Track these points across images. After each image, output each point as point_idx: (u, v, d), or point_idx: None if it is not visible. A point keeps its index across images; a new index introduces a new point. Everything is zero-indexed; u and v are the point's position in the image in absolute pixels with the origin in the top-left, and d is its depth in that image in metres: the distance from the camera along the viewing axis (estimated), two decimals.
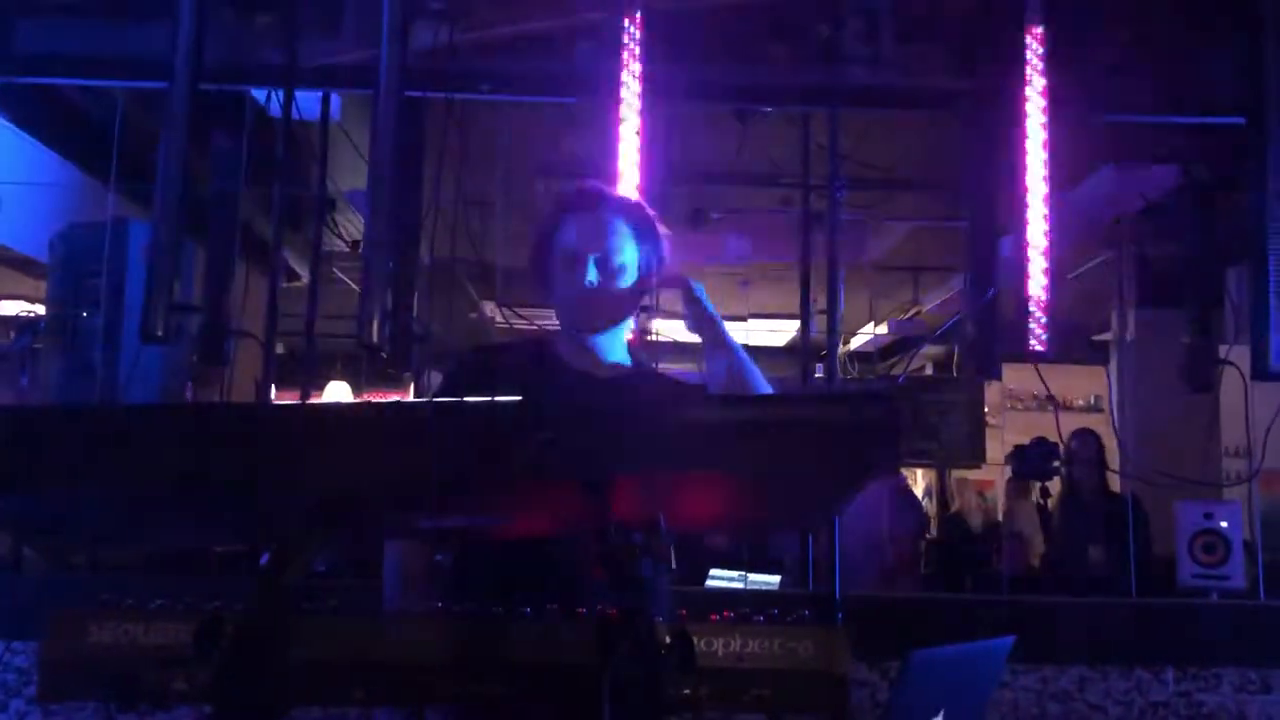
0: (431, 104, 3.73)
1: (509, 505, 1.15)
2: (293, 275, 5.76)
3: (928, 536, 6.22)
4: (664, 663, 0.98)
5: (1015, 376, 6.75)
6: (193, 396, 3.91)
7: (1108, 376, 5.63)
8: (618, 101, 3.31)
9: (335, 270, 6.54)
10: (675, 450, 1.01)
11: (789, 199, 5.67)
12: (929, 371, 9.05)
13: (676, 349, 5.90)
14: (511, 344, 2.27)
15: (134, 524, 1.30)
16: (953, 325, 4.73)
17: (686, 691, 1.00)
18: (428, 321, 3.92)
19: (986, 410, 5.91)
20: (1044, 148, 3.38)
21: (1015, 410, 7.91)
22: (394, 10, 3.31)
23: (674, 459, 1.01)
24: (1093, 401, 8.27)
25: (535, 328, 3.74)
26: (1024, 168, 3.38)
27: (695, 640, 1.00)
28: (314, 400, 4.69)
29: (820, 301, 3.79)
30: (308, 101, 3.82)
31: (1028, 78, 3.39)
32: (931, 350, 8.69)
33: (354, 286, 3.46)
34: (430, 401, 1.01)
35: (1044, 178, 3.39)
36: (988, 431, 5.86)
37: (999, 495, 6.56)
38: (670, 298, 2.05)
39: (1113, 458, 4.91)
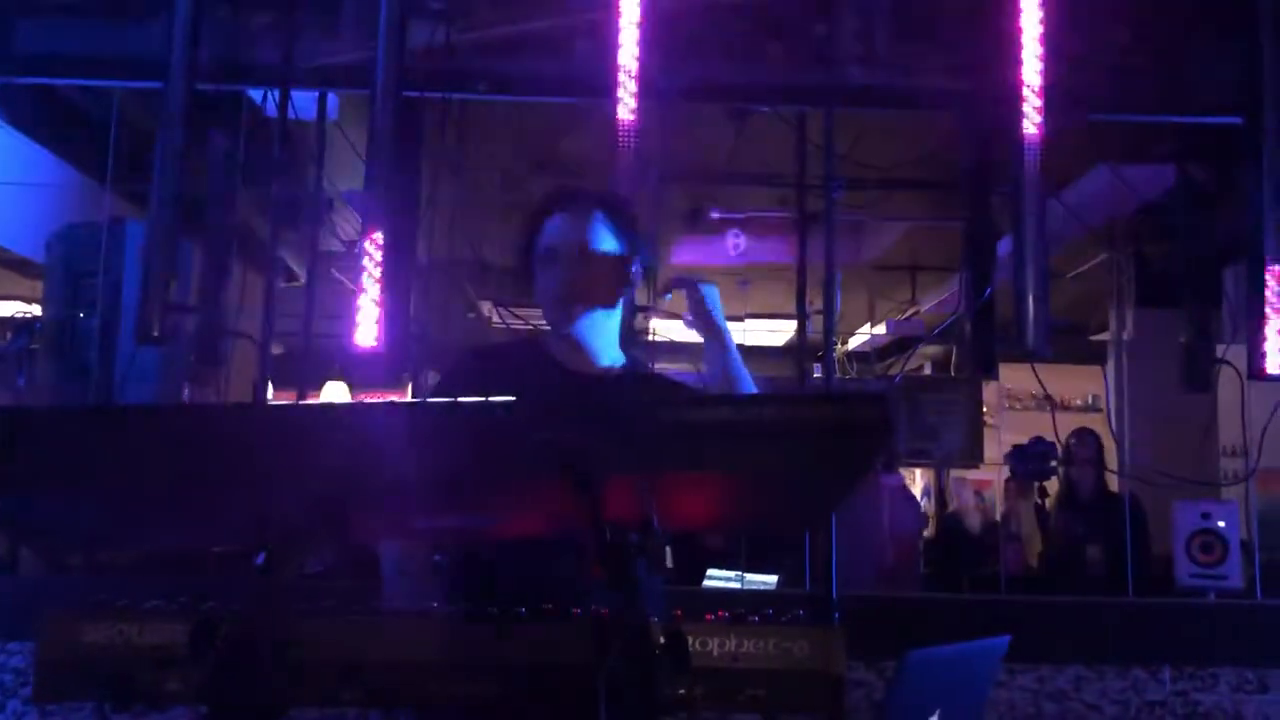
0: (429, 104, 3.73)
1: (504, 505, 1.15)
2: (290, 275, 5.77)
3: (926, 536, 6.23)
4: (659, 663, 0.98)
5: (1013, 376, 6.76)
6: (190, 397, 3.91)
7: (1105, 376, 5.63)
8: (614, 101, 3.31)
9: (333, 270, 6.53)
10: (670, 450, 1.01)
11: (785, 199, 5.67)
12: (927, 371, 9.06)
13: (674, 349, 5.91)
14: (505, 344, 2.28)
15: (130, 525, 1.30)
16: (950, 325, 4.72)
17: (681, 691, 1.00)
18: (424, 322, 3.92)
19: (985, 410, 5.92)
20: (1040, 147, 3.38)
21: (1013, 410, 7.92)
22: (391, 10, 3.31)
23: (669, 459, 1.01)
24: (1091, 401, 8.28)
25: (532, 327, 3.74)
26: (1021, 167, 3.37)
27: (690, 640, 1.00)
28: (310, 400, 4.69)
29: (817, 301, 3.79)
30: (305, 101, 3.82)
31: (1024, 77, 3.39)
32: (930, 350, 8.70)
33: (351, 286, 3.45)
34: (426, 402, 1.01)
35: (1040, 178, 3.39)
36: (985, 431, 5.88)
37: (997, 495, 6.56)
38: (676, 296, 2.06)
39: (1111, 457, 4.92)
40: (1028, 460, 5.57)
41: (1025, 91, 3.38)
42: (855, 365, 9.18)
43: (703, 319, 2.00)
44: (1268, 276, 3.27)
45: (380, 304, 3.30)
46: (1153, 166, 4.83)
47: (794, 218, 4.52)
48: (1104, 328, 6.93)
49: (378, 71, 3.32)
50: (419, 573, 1.79)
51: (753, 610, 1.05)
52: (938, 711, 1.36)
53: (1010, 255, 3.41)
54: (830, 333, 3.50)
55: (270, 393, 3.94)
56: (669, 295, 2.07)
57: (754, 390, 2.03)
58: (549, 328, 2.00)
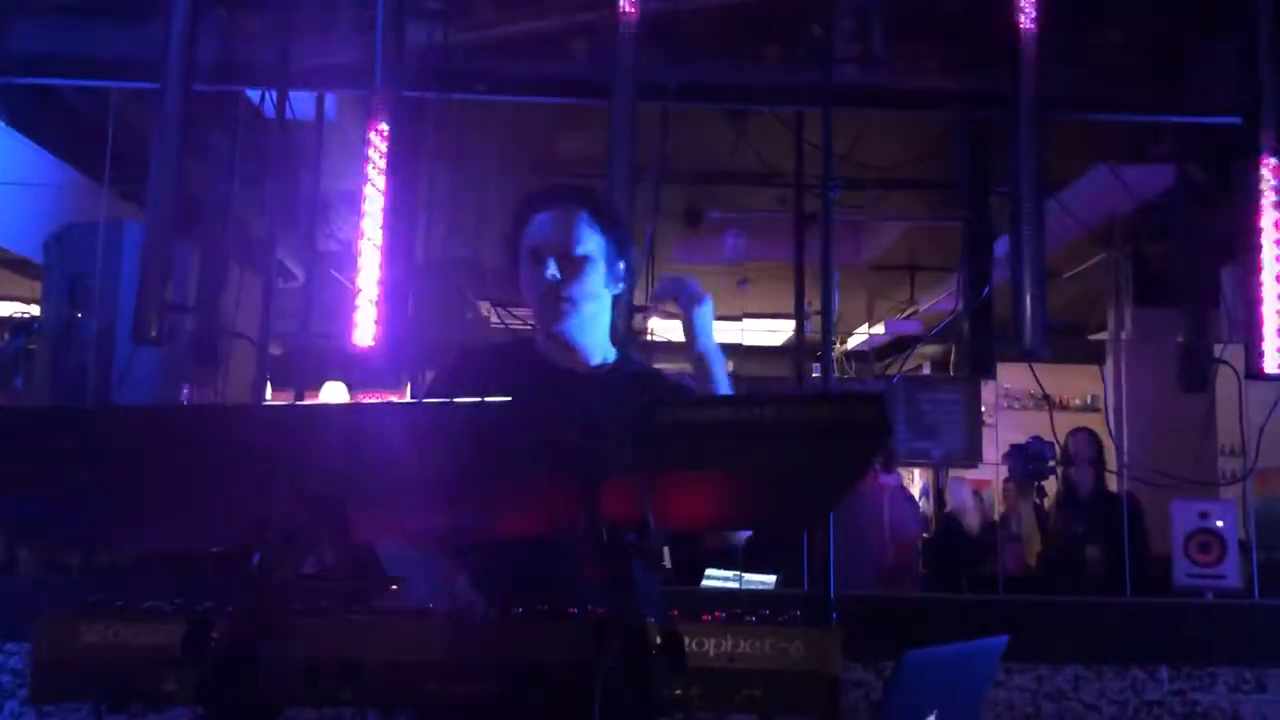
0: (427, 104, 3.73)
1: (502, 505, 1.15)
2: (288, 276, 5.76)
3: (924, 536, 6.22)
4: (655, 663, 0.98)
5: (1012, 376, 6.77)
6: (188, 397, 3.90)
7: (1103, 376, 5.63)
8: (609, 102, 3.31)
9: (332, 270, 6.53)
10: (668, 450, 1.01)
11: (784, 199, 5.68)
12: (926, 371, 9.06)
13: (672, 348, 5.91)
14: (496, 345, 2.27)
15: (127, 525, 1.30)
16: (948, 325, 4.73)
17: (678, 692, 1.00)
18: (423, 321, 3.92)
19: (983, 410, 5.92)
20: (1038, 147, 3.38)
21: (1012, 410, 7.93)
22: (389, 10, 3.31)
23: (667, 459, 1.01)
24: (1089, 401, 8.29)
25: (530, 327, 3.73)
26: (1018, 167, 3.38)
27: (687, 641, 1.00)
28: (307, 400, 4.69)
29: (816, 301, 3.79)
30: (303, 102, 3.82)
31: (1021, 77, 3.39)
32: (929, 350, 8.71)
33: (350, 286, 3.45)
34: (423, 402, 1.01)
35: (1038, 177, 3.39)
36: (984, 431, 5.88)
37: (996, 495, 6.56)
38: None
39: (1110, 457, 4.92)
40: (1026, 460, 5.58)
41: (1022, 91, 3.37)
42: (854, 365, 9.18)
43: (690, 342, 1.97)
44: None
45: (376, 304, 3.30)
46: (1151, 166, 4.84)
47: (792, 218, 4.53)
48: (1102, 327, 6.93)
49: (376, 72, 3.32)
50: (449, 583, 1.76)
51: (749, 611, 1.04)
52: (935, 711, 1.37)
53: (1008, 255, 3.42)
54: (828, 332, 3.51)
55: (269, 393, 3.94)
56: (663, 298, 2.05)
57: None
58: (537, 326, 1.99)
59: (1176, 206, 4.54)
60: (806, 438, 1.00)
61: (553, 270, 1.88)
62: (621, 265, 1.95)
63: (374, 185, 3.32)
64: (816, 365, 5.55)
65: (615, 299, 1.98)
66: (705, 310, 1.99)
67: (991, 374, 4.41)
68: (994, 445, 5.88)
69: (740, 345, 9.04)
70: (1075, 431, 5.09)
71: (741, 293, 8.06)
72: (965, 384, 5.81)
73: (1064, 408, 8.19)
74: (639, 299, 3.54)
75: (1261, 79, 3.37)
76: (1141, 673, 3.18)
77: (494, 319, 6.24)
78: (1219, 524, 3.39)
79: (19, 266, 5.83)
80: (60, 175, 5.00)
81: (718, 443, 1.00)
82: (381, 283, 3.31)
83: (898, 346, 8.53)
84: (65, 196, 4.95)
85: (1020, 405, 8.09)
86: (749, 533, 2.07)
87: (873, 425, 0.99)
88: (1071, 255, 6.34)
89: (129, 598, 1.08)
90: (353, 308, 3.33)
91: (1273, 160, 3.32)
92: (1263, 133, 3.34)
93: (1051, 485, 5.76)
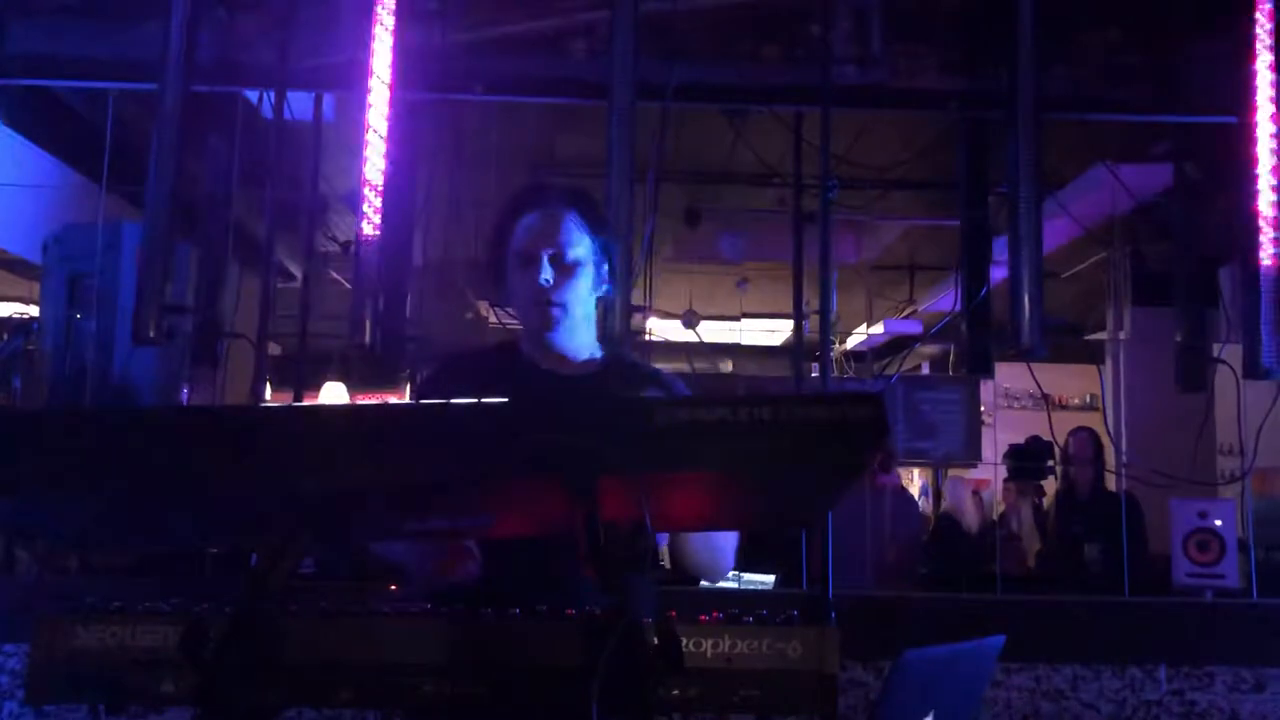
0: (425, 104, 3.73)
1: (498, 507, 1.15)
2: (288, 276, 5.77)
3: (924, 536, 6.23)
4: (652, 663, 0.98)
5: (1011, 375, 6.78)
6: (187, 398, 3.91)
7: (1101, 376, 5.64)
8: (608, 102, 3.31)
9: (331, 271, 6.54)
10: (665, 450, 1.01)
11: (783, 199, 5.68)
12: (925, 371, 9.07)
13: (670, 348, 5.92)
14: (479, 350, 2.25)
15: (126, 526, 1.30)
16: (947, 324, 4.73)
17: (675, 692, 1.00)
18: (420, 322, 3.92)
19: (982, 409, 5.93)
20: (1035, 146, 3.38)
21: (1011, 409, 7.94)
22: (386, 11, 3.31)
23: (664, 459, 1.01)
24: (1088, 400, 8.30)
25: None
26: (1017, 166, 3.38)
27: (684, 641, 1.00)
28: (307, 401, 4.69)
29: (815, 301, 3.80)
30: (301, 102, 3.82)
31: (1020, 77, 3.39)
32: (928, 349, 8.71)
33: (349, 287, 3.46)
34: (420, 404, 1.01)
35: (1036, 177, 3.39)
36: (983, 430, 5.89)
37: (995, 494, 6.57)
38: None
39: (1109, 456, 4.92)
40: (1026, 459, 5.58)
41: (1020, 90, 3.37)
42: (853, 365, 9.18)
43: None
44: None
45: (376, 305, 3.29)
46: (1150, 166, 4.84)
47: (791, 217, 4.53)
48: (1101, 327, 6.94)
49: (374, 72, 3.32)
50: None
51: (747, 611, 1.04)
52: (932, 712, 1.37)
53: (1006, 255, 3.42)
54: (826, 332, 3.51)
55: (268, 393, 3.94)
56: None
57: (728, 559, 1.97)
58: (522, 328, 1.97)
59: (1175, 206, 4.54)
60: (804, 438, 1.00)
61: (546, 275, 1.85)
62: (607, 266, 1.93)
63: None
64: (815, 365, 5.56)
65: (600, 299, 1.96)
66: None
67: (990, 374, 4.40)
68: (993, 445, 5.89)
69: (739, 345, 9.05)
70: (1075, 431, 5.10)
71: (740, 293, 8.07)
72: (964, 384, 5.82)
73: (1063, 407, 8.21)
74: (637, 299, 3.54)
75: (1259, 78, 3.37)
76: (1140, 672, 3.18)
77: (493, 319, 6.25)
78: (1218, 523, 3.39)
79: (18, 267, 5.83)
80: (59, 176, 5.00)
81: (715, 443, 1.00)
82: (379, 283, 3.30)
83: (897, 346, 8.54)
84: (64, 197, 4.95)
85: (1019, 405, 8.10)
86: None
87: (870, 425, 1.00)
88: (1070, 255, 6.35)
89: (127, 599, 1.08)
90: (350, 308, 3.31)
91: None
92: (1260, 133, 3.34)
93: (1050, 485, 5.77)
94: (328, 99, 4.04)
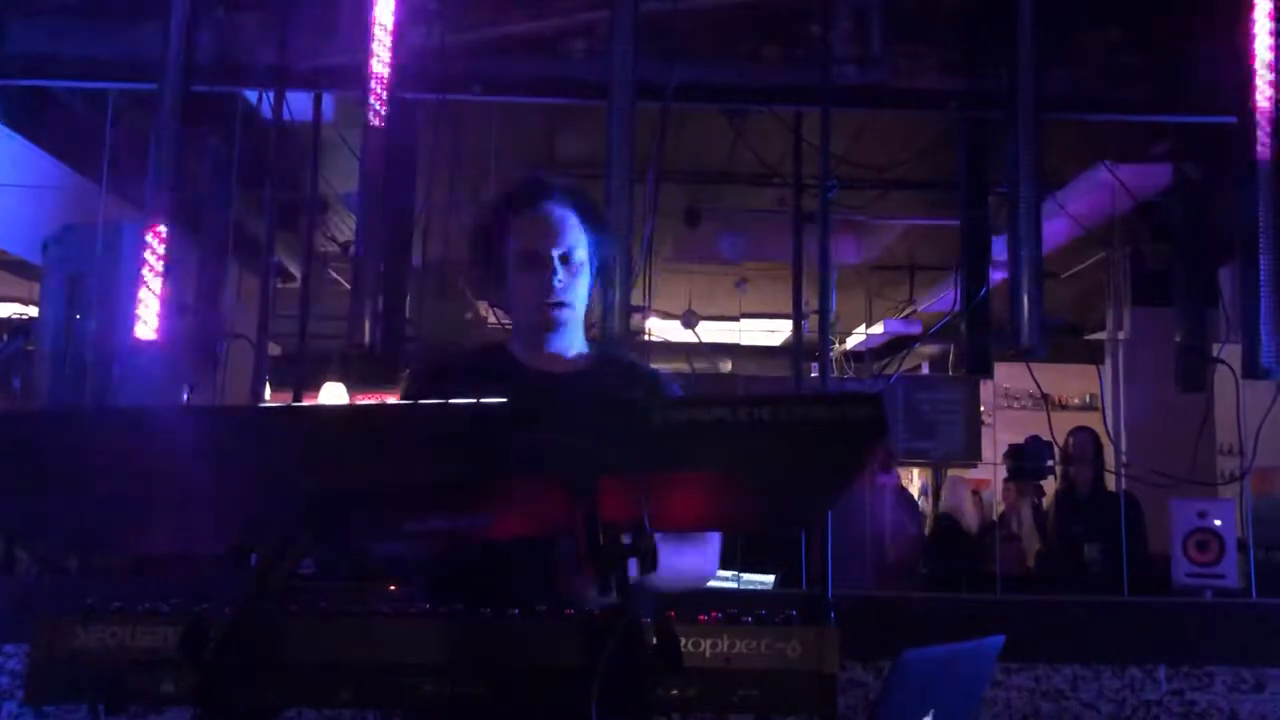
0: (424, 105, 3.74)
1: (497, 507, 1.15)
2: (288, 276, 5.77)
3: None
4: (651, 663, 0.98)
5: (1011, 375, 6.78)
6: (187, 398, 3.91)
7: (1100, 376, 5.64)
8: (608, 102, 3.31)
9: (331, 271, 6.54)
10: (664, 450, 1.01)
11: (782, 199, 5.68)
12: (925, 370, 9.07)
13: (668, 348, 5.92)
14: (466, 352, 2.21)
15: (125, 527, 1.30)
16: (946, 324, 4.73)
17: (674, 692, 1.00)
18: (419, 322, 3.92)
19: (982, 409, 5.93)
20: (1035, 146, 3.39)
21: (1011, 409, 7.94)
22: (385, 11, 3.32)
23: (663, 459, 1.01)
24: (1088, 400, 8.30)
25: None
26: (1017, 166, 3.38)
27: (683, 641, 1.00)
28: (306, 401, 4.69)
29: (814, 301, 3.80)
30: (301, 103, 3.82)
31: (1019, 77, 3.40)
32: (928, 349, 8.71)
33: (349, 287, 3.46)
34: (419, 404, 1.01)
35: (1035, 176, 3.40)
36: (983, 430, 5.88)
37: (995, 494, 6.58)
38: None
39: (1109, 456, 4.92)
40: (1025, 459, 5.58)
41: (1020, 90, 3.38)
42: (852, 365, 9.18)
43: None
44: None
45: (374, 305, 3.29)
46: (1149, 166, 4.84)
47: (790, 217, 4.53)
48: (1101, 327, 6.94)
49: (372, 73, 3.32)
50: None
51: (746, 611, 1.05)
52: (931, 711, 1.37)
53: (1005, 254, 3.42)
54: (825, 332, 3.51)
55: (267, 393, 3.94)
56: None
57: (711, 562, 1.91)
58: (514, 327, 1.94)
59: (1175, 206, 4.55)
60: (803, 438, 1.00)
61: (560, 277, 1.82)
62: (598, 264, 1.91)
63: (374, 184, 3.31)
64: (815, 365, 5.56)
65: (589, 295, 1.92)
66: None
67: (990, 374, 4.40)
68: (992, 444, 5.89)
69: (738, 345, 9.05)
70: (1075, 431, 5.10)
71: (740, 293, 8.06)
72: (964, 384, 5.82)
73: (1062, 407, 8.21)
74: (637, 299, 3.54)
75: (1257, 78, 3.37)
76: (1139, 672, 3.18)
77: (492, 319, 6.25)
78: (1217, 523, 3.39)
79: (17, 268, 5.83)
80: (58, 176, 5.00)
81: (715, 443, 1.00)
82: (378, 283, 3.30)
83: (896, 346, 8.54)
84: (63, 198, 4.95)
85: (1019, 405, 8.11)
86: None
87: (869, 425, 0.99)
88: (1070, 255, 6.35)
89: (126, 599, 1.08)
90: (349, 308, 3.32)
91: None
92: (1259, 133, 3.34)
93: (1050, 485, 5.77)
94: (327, 99, 4.04)
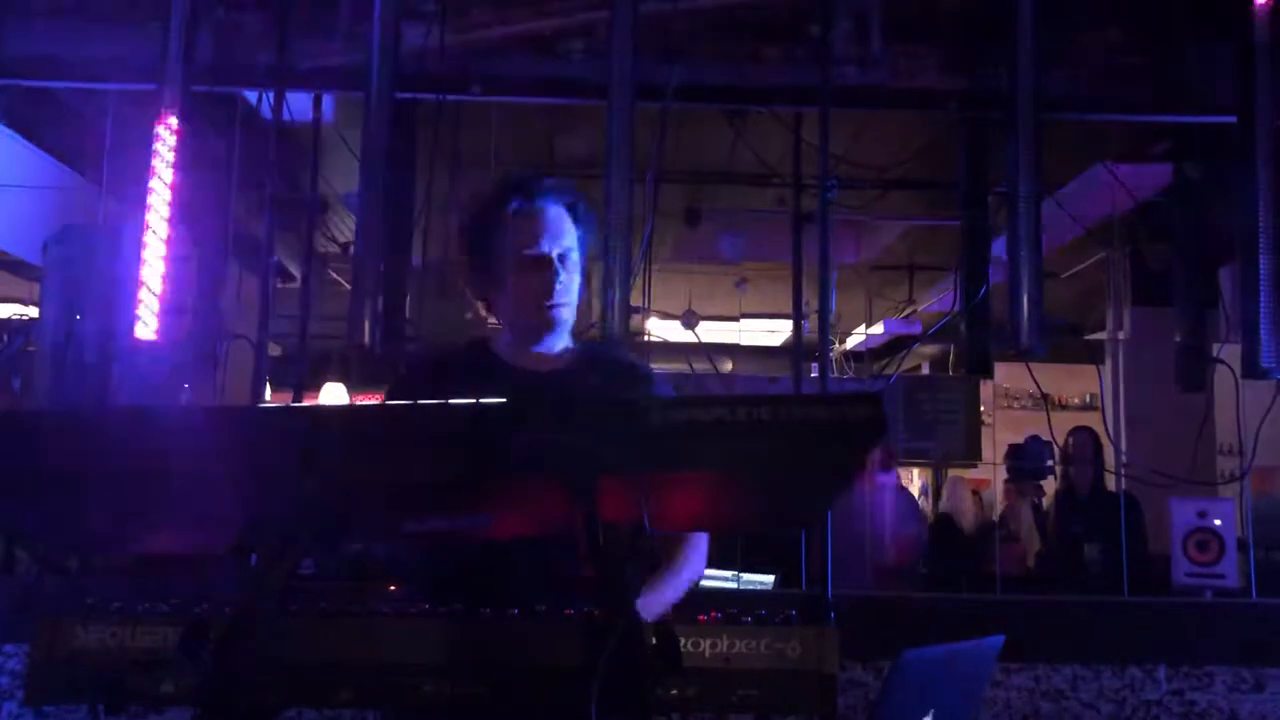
0: (423, 105, 3.74)
1: (496, 507, 1.15)
2: (288, 277, 5.77)
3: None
4: (650, 664, 0.98)
5: (1012, 375, 6.79)
6: (187, 399, 3.91)
7: (1100, 376, 5.64)
8: (608, 102, 3.31)
9: (331, 271, 6.54)
10: (663, 450, 1.01)
11: (782, 199, 5.68)
12: (925, 371, 9.07)
13: (668, 349, 5.92)
14: (450, 350, 2.20)
15: (125, 527, 1.30)
16: (946, 324, 4.73)
17: (674, 692, 1.00)
18: (419, 322, 3.92)
19: (982, 409, 5.93)
20: (1035, 146, 3.39)
21: (1011, 409, 7.94)
22: (385, 12, 3.32)
23: (662, 459, 1.01)
24: (1088, 400, 8.30)
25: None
26: (1017, 167, 3.38)
27: (682, 641, 1.00)
28: (305, 402, 4.69)
29: (814, 301, 3.80)
30: (301, 103, 3.82)
31: (1019, 77, 3.40)
32: (929, 349, 8.71)
33: (349, 287, 3.46)
34: (418, 404, 1.01)
35: (1034, 176, 3.40)
36: (983, 430, 5.89)
37: (996, 494, 6.58)
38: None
39: (1109, 456, 4.92)
40: (1025, 459, 5.59)
41: (1019, 90, 3.37)
42: (852, 365, 9.19)
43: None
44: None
45: (374, 305, 3.29)
46: (1149, 166, 4.84)
47: (790, 218, 4.53)
48: (1101, 327, 6.94)
49: (372, 74, 3.32)
50: None
51: (746, 611, 1.05)
52: (931, 711, 1.37)
53: (1005, 254, 3.42)
54: (826, 332, 3.51)
55: (268, 394, 3.94)
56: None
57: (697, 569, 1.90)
58: (503, 325, 1.92)
59: (1174, 206, 4.55)
60: (803, 438, 1.00)
61: (563, 278, 1.82)
62: (592, 254, 1.91)
63: (373, 184, 3.31)
64: (815, 365, 5.56)
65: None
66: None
67: (989, 374, 4.41)
68: (992, 445, 5.89)
69: (738, 345, 9.05)
70: (1075, 430, 5.10)
71: (739, 293, 8.06)
72: (964, 384, 5.82)
73: (1063, 407, 8.22)
74: (636, 299, 3.54)
75: (1257, 77, 3.37)
76: (1139, 672, 3.18)
77: (493, 320, 6.24)
78: (1217, 523, 3.39)
79: (17, 268, 5.83)
80: (59, 177, 5.00)
81: (714, 443, 1.00)
82: (378, 283, 3.30)
83: (896, 346, 8.54)
84: (64, 198, 4.95)
85: (1019, 405, 8.11)
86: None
87: (869, 425, 1.00)
88: (1069, 255, 6.35)
89: (127, 599, 1.08)
90: (349, 308, 3.32)
91: None
92: (1259, 132, 3.35)
93: (1050, 485, 5.77)
94: (327, 99, 4.04)
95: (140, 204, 3.39)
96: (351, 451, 1.02)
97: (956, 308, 4.06)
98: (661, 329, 6.93)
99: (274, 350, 5.17)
